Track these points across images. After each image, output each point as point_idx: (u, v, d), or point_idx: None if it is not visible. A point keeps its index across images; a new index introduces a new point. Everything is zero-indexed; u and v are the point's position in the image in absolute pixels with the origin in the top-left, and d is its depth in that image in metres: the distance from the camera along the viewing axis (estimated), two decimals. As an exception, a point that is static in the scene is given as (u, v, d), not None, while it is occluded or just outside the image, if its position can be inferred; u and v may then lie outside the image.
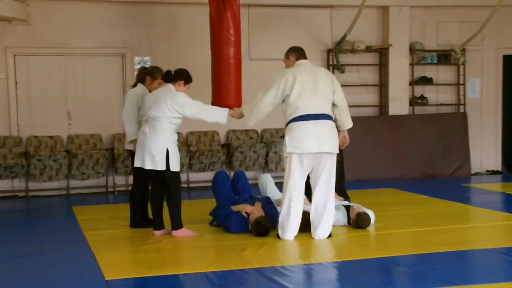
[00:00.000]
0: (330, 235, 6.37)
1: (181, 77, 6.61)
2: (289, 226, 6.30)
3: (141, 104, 6.86)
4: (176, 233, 6.56)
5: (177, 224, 6.57)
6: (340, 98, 6.49)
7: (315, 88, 6.29)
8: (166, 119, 6.45)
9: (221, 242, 6.33)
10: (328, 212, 6.31)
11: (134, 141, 6.85)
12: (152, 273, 5.20)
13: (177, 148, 6.58)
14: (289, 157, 6.28)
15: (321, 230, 6.32)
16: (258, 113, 6.49)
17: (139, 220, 7.10)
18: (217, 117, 6.61)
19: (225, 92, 7.38)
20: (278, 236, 6.37)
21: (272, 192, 7.36)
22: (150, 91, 6.90)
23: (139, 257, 5.87)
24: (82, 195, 9.98)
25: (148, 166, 6.47)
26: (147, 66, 7.50)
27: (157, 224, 6.67)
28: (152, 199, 6.69)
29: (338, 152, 6.39)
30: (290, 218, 6.28)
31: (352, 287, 4.83)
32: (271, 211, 6.75)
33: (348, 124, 6.61)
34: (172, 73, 6.63)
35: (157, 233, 6.65)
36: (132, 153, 7.01)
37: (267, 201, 6.95)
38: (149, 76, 7.01)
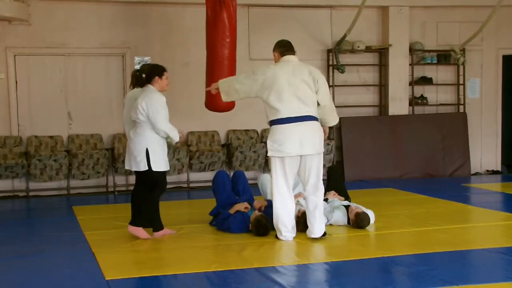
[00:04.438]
0: (325, 234, 6.34)
1: (151, 74, 6.47)
2: (283, 228, 6.30)
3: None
4: (156, 234, 6.57)
5: (155, 225, 6.56)
6: (323, 98, 6.35)
7: (296, 90, 6.20)
8: (144, 121, 6.37)
9: (221, 242, 6.33)
10: (319, 210, 6.31)
11: None
12: (152, 273, 5.21)
13: (161, 147, 6.45)
14: (272, 160, 6.29)
15: (316, 227, 6.29)
16: (229, 88, 6.42)
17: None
18: (171, 135, 6.42)
19: (218, 93, 7.35)
20: (276, 237, 6.37)
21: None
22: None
23: (139, 257, 5.87)
24: (82, 195, 9.98)
25: (133, 167, 6.46)
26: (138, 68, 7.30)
27: (157, 225, 6.65)
28: (147, 202, 6.55)
29: (322, 151, 6.35)
30: (281, 219, 6.28)
31: (352, 287, 4.82)
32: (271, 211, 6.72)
33: (330, 122, 6.56)
34: (143, 76, 6.49)
35: (157, 234, 6.62)
36: None
37: (269, 206, 6.87)
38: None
